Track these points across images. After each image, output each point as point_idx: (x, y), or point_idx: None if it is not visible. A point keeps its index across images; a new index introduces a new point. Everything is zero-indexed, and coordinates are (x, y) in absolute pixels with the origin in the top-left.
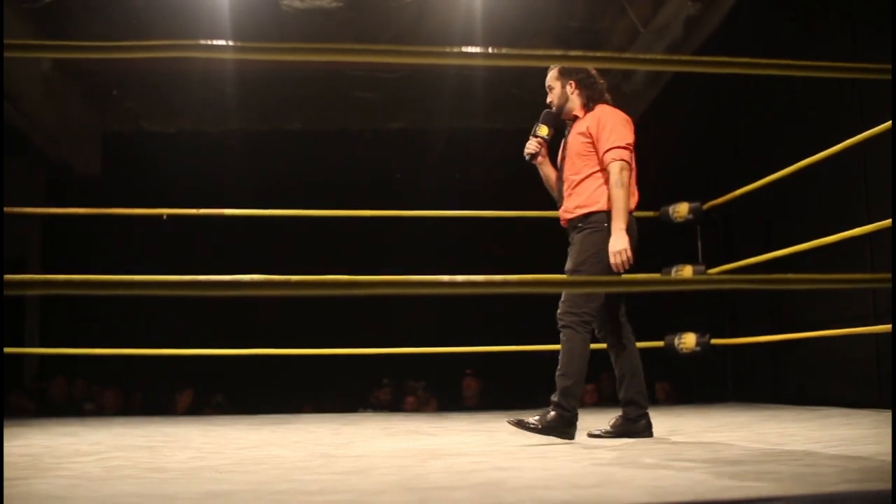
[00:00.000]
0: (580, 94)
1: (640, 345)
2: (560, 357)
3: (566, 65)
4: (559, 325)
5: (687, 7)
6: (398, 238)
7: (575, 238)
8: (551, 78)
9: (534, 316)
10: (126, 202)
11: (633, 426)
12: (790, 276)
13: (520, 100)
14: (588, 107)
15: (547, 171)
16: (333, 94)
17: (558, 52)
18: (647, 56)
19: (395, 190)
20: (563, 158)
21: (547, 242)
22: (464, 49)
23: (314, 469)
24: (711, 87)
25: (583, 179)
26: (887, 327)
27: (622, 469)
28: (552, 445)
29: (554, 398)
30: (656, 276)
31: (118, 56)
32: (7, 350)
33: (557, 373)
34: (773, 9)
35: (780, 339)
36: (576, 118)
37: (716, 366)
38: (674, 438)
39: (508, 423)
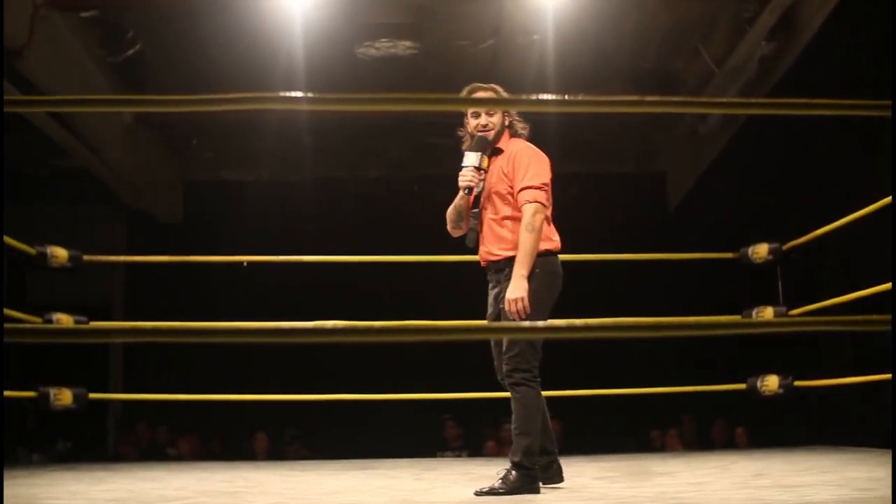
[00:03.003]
0: (509, 126)
1: (722, 387)
2: (515, 415)
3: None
4: (508, 383)
5: (762, 47)
6: (478, 283)
7: (504, 286)
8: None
9: (621, 358)
10: (207, 249)
11: (547, 472)
12: (875, 317)
13: (591, 142)
14: (514, 136)
15: (462, 203)
16: (409, 140)
17: (634, 98)
18: (722, 100)
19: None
20: (482, 194)
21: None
22: (539, 97)
23: None
24: (788, 125)
25: (504, 219)
26: None
27: None
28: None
29: (514, 458)
30: (737, 318)
31: (198, 109)
32: (92, 395)
33: (514, 431)
34: (849, 46)
35: (864, 380)
36: (498, 151)
37: (799, 408)
38: (758, 482)
39: (476, 494)
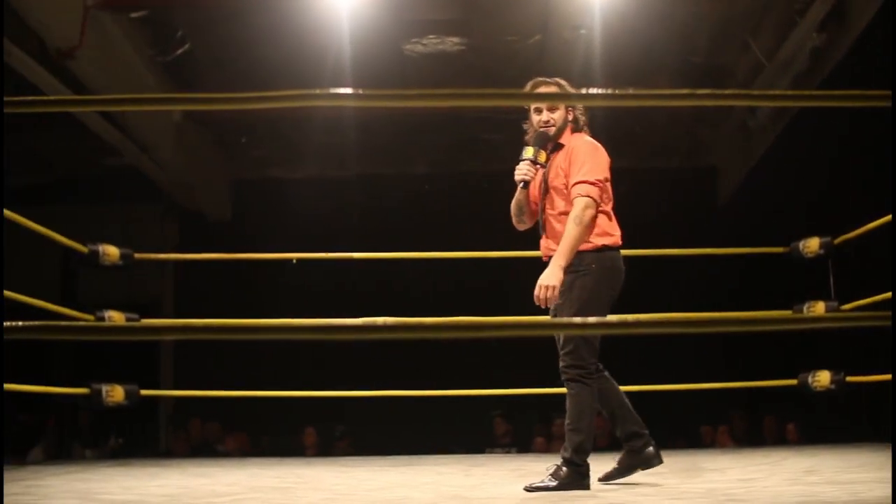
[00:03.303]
0: (572, 121)
1: (773, 383)
2: (569, 411)
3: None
4: (563, 379)
5: (812, 38)
6: (526, 279)
7: (564, 280)
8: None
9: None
10: (255, 247)
11: (641, 457)
12: None
13: (639, 137)
14: (575, 131)
15: (521, 196)
16: (457, 136)
17: (685, 91)
18: (772, 92)
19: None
20: (542, 189)
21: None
22: (588, 90)
23: None
24: (839, 118)
25: (561, 214)
26: None
27: None
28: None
29: (565, 454)
30: (788, 313)
31: (247, 107)
32: (143, 392)
33: (567, 427)
34: None
35: (892, 379)
36: (559, 146)
37: (852, 404)
38: (809, 479)
39: (526, 489)
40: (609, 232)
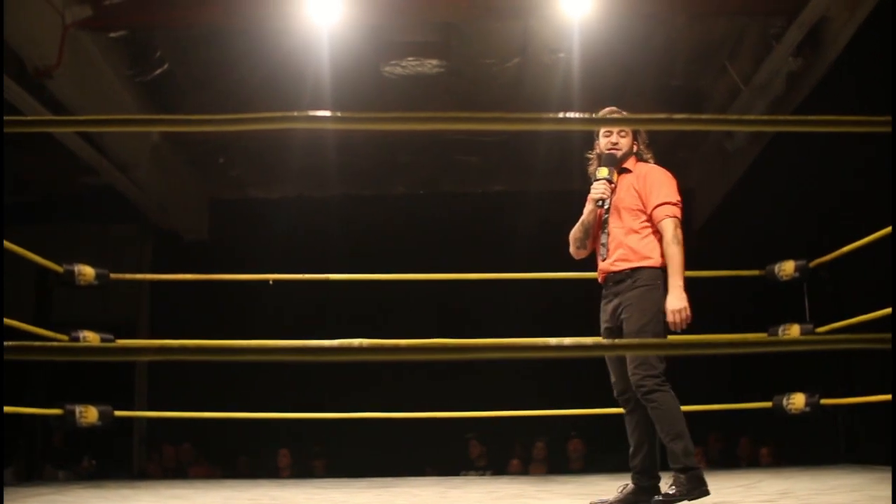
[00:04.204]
0: (638, 147)
1: (747, 406)
2: (659, 423)
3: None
4: (642, 393)
5: (788, 63)
6: (506, 300)
7: (627, 295)
8: (617, 128)
9: None
10: (233, 268)
11: (646, 498)
12: None
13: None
14: (639, 160)
15: (591, 217)
16: (435, 158)
17: (662, 116)
18: (749, 118)
19: (510, 252)
20: (609, 210)
21: None
22: (565, 115)
23: None
24: (815, 141)
25: (629, 233)
26: None
27: None
28: None
29: (676, 464)
30: (764, 336)
31: (226, 129)
32: (117, 413)
33: (666, 440)
34: (877, 62)
35: (892, 398)
36: (626, 171)
37: (826, 427)
38: (784, 501)
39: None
40: None
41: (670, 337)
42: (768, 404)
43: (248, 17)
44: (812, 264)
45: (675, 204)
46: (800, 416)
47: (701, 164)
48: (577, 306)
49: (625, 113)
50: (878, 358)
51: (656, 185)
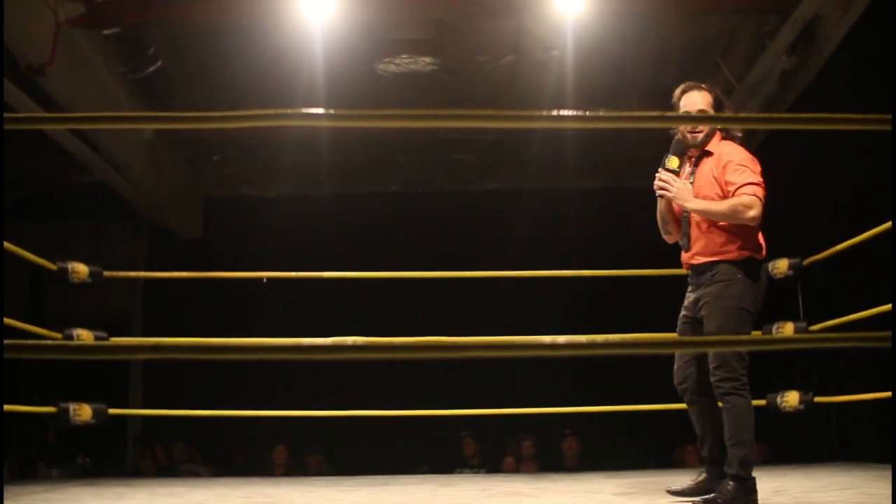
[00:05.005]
0: (721, 129)
1: None
2: (727, 426)
3: (716, 92)
4: (719, 394)
5: (782, 61)
6: (501, 298)
7: (707, 290)
8: (704, 103)
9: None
10: (227, 266)
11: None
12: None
13: (611, 157)
14: (725, 138)
15: (662, 206)
16: (429, 156)
17: (655, 113)
18: (743, 115)
19: (504, 250)
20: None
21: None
22: (559, 112)
23: None
24: (809, 141)
25: (709, 224)
26: None
27: None
28: None
29: (730, 470)
30: (757, 334)
31: (220, 126)
32: (111, 411)
33: (729, 443)
34: (871, 60)
35: (886, 396)
36: (707, 154)
37: (820, 424)
38: (777, 499)
39: None
40: (760, 243)
41: (663, 336)
42: (762, 402)
43: (242, 14)
44: (805, 262)
45: (757, 184)
46: (794, 414)
47: None
48: (571, 304)
49: (708, 92)
50: (868, 355)
51: (738, 167)
